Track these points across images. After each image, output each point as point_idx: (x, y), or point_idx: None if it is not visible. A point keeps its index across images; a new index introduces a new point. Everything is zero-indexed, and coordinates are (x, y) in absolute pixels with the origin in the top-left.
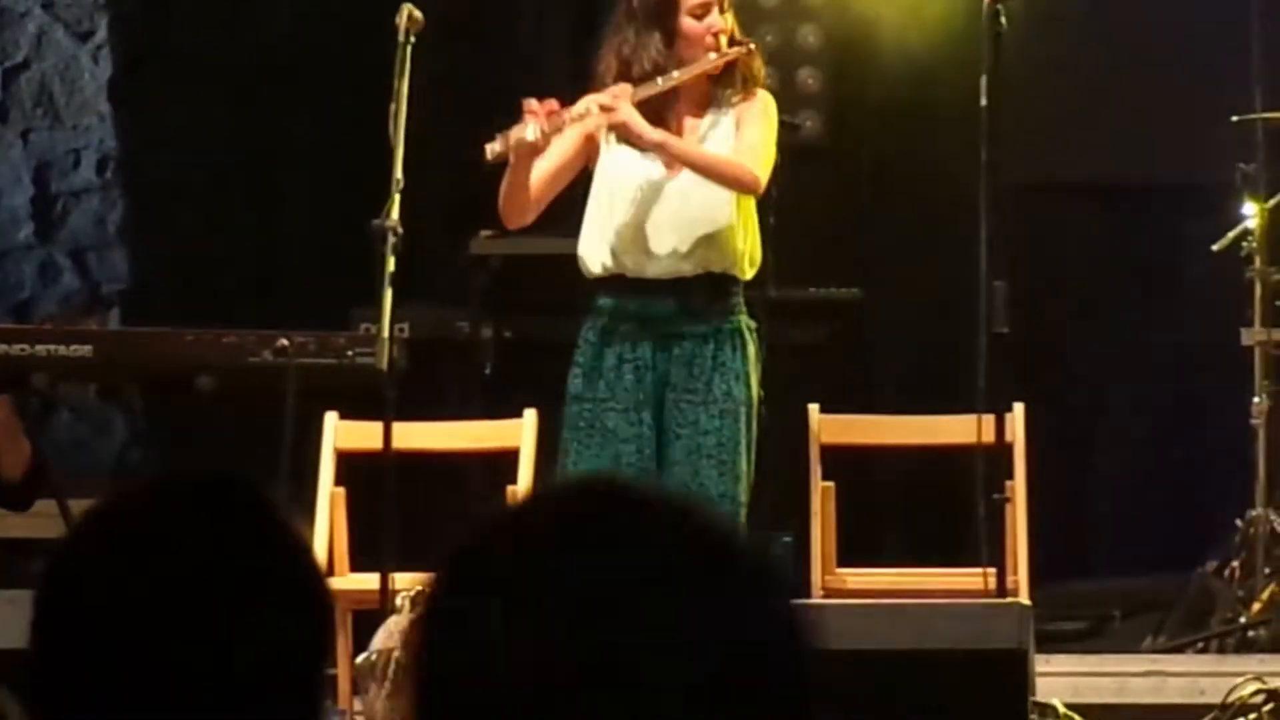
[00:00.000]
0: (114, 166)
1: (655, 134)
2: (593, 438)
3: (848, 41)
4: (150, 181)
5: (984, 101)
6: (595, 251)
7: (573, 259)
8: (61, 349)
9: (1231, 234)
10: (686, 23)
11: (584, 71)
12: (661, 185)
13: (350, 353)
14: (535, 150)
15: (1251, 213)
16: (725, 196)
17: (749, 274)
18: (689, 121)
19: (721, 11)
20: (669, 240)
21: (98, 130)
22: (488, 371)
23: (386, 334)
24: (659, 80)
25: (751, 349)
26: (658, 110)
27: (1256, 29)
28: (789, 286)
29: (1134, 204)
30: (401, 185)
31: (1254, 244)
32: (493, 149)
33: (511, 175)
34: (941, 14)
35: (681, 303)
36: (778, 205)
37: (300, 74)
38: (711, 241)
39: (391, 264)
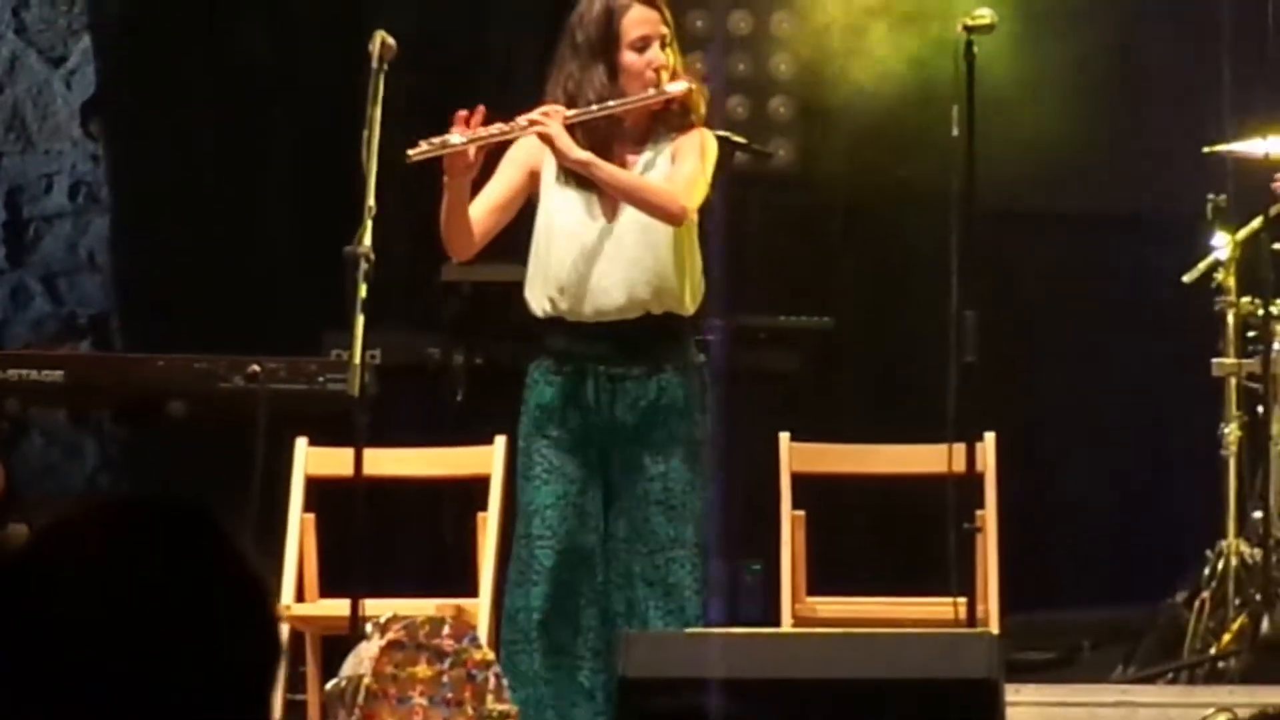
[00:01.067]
0: (86, 192)
1: (579, 153)
2: (538, 476)
3: (820, 71)
4: (122, 207)
5: (955, 131)
6: (537, 294)
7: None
8: (33, 373)
9: (1202, 265)
10: (627, 57)
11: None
12: (600, 228)
13: (321, 378)
14: (466, 168)
15: (1222, 243)
16: (664, 239)
17: (692, 309)
18: (629, 158)
19: (663, 47)
20: (608, 284)
21: (70, 155)
22: (459, 398)
23: (358, 360)
24: (594, 107)
25: (696, 386)
26: (599, 143)
27: (1227, 61)
28: (760, 315)
29: (1104, 233)
30: (374, 211)
31: (1225, 275)
32: (416, 150)
33: (446, 200)
34: (914, 43)
35: (623, 345)
36: (748, 234)
37: (272, 100)
38: (651, 285)
39: (364, 290)
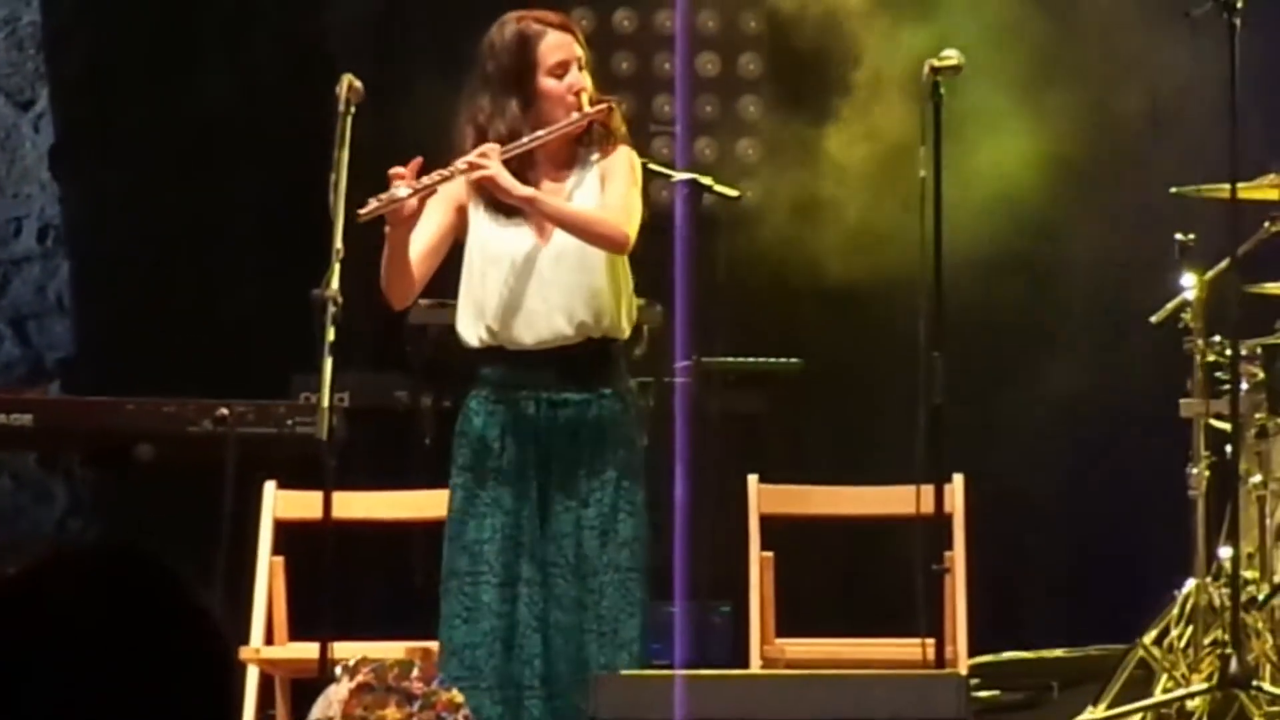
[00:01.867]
0: (55, 235)
1: (523, 190)
2: (474, 509)
3: (787, 113)
4: (91, 250)
5: (922, 173)
6: (471, 325)
7: None
8: (2, 417)
9: (1170, 305)
10: (546, 83)
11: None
12: (534, 255)
13: (290, 422)
14: (409, 217)
15: (1190, 284)
16: (599, 262)
17: (628, 330)
18: (550, 185)
19: (580, 69)
20: (545, 310)
21: (39, 199)
22: (427, 442)
23: (326, 403)
24: (525, 139)
25: (633, 410)
26: (519, 172)
27: (1195, 100)
28: (728, 356)
29: (1069, 275)
30: (342, 254)
31: (1192, 315)
32: (366, 210)
33: (389, 251)
34: (882, 85)
35: (562, 371)
36: (716, 275)
37: (240, 143)
38: (591, 307)
39: (332, 333)
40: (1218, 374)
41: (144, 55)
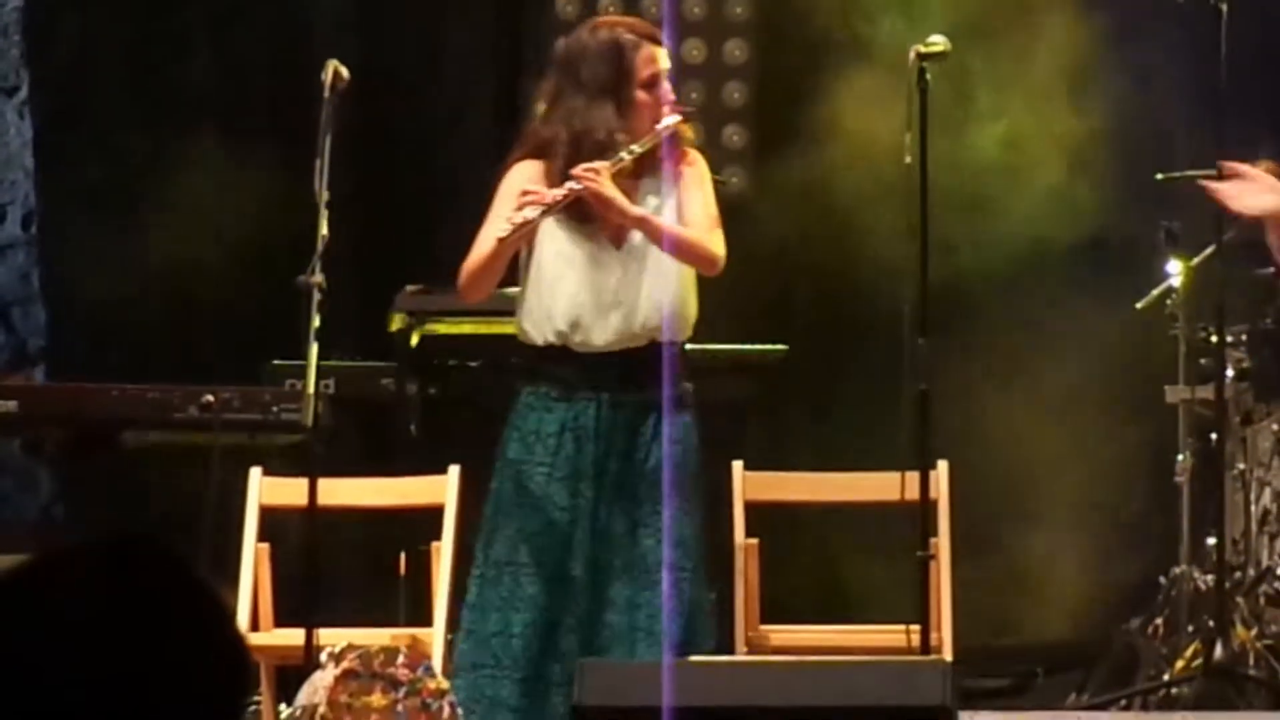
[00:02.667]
0: (39, 222)
1: (636, 211)
2: (523, 501)
3: (773, 99)
4: (74, 237)
5: (908, 159)
6: (539, 324)
7: (498, 314)
8: None
9: (1155, 291)
10: (639, 95)
11: (506, 130)
12: (609, 259)
13: (275, 408)
14: (532, 233)
15: (1175, 270)
16: (671, 266)
17: (689, 333)
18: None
19: (666, 81)
20: (617, 314)
21: (23, 185)
22: (413, 429)
23: (312, 390)
24: (623, 155)
25: (690, 411)
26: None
27: (1181, 87)
28: (714, 343)
29: (1058, 260)
30: (327, 240)
31: (1178, 301)
32: (504, 235)
33: (496, 255)
34: (867, 71)
35: (625, 372)
36: None
37: (223, 126)
38: (659, 312)
39: (317, 320)
40: (1203, 360)
41: (128, 41)
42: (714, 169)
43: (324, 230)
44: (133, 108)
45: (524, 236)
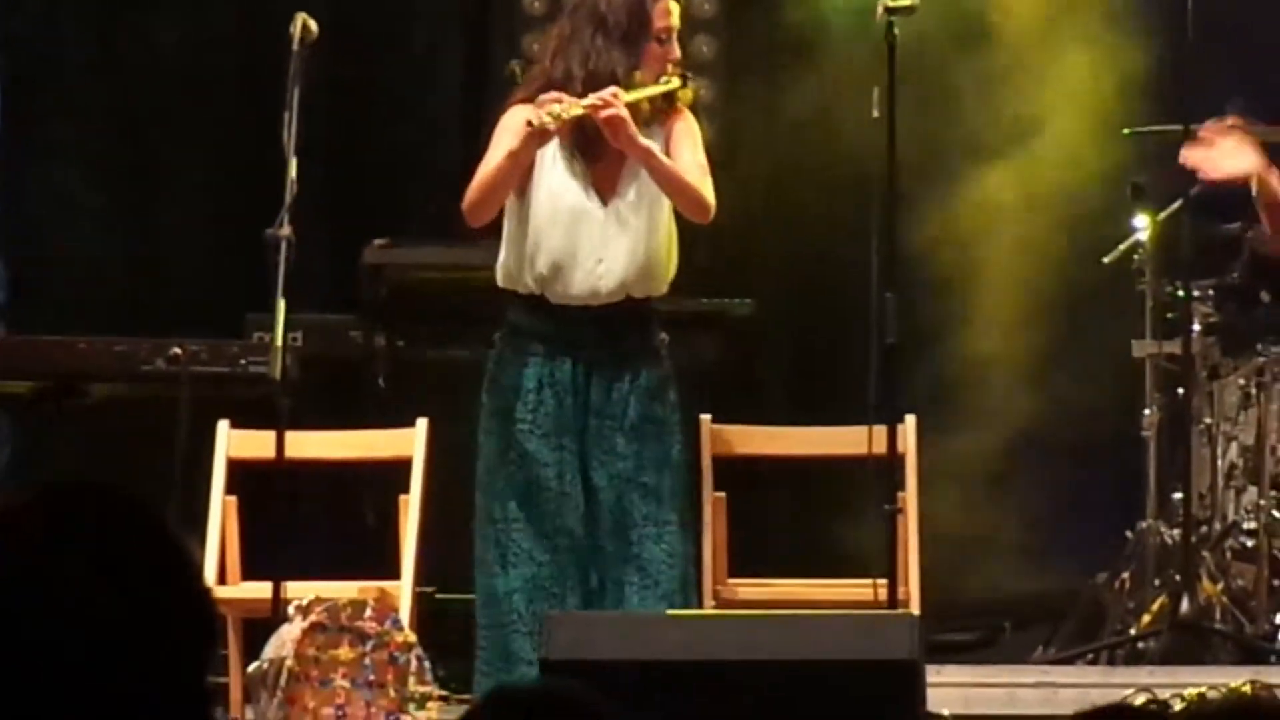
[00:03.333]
0: (3, 177)
1: (645, 141)
2: (507, 458)
3: (743, 52)
4: (38, 190)
5: (876, 113)
6: (518, 271)
7: (466, 268)
8: None
9: (1122, 246)
10: (652, 45)
11: (476, 80)
12: (597, 213)
13: (243, 361)
14: (547, 138)
15: (1142, 225)
16: (658, 226)
17: (665, 291)
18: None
19: (674, 38)
20: (597, 269)
21: None
22: (381, 382)
23: (280, 343)
24: (642, 92)
25: (666, 368)
26: (598, 124)
27: (1149, 45)
28: (682, 298)
29: (1024, 214)
30: (295, 194)
31: (1145, 256)
32: (538, 122)
33: (509, 166)
34: (838, 25)
35: (602, 329)
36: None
37: (191, 81)
38: (641, 269)
39: (285, 273)
40: (1170, 315)
41: None
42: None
43: (292, 183)
44: (99, 63)
45: (538, 146)
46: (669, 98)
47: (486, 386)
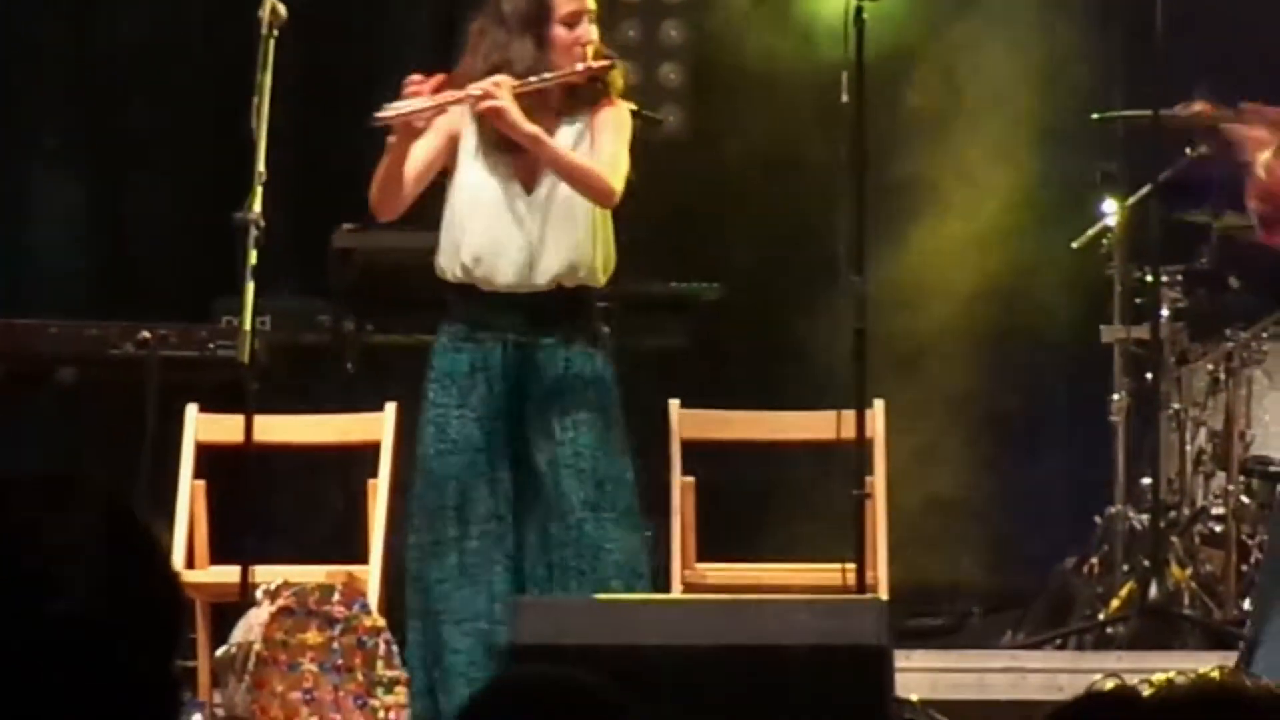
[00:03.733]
0: None
1: (530, 127)
2: (442, 444)
3: (710, 36)
4: (5, 173)
5: (845, 98)
6: (449, 260)
7: (434, 252)
8: None
9: (1091, 231)
10: (558, 31)
11: (444, 66)
12: (518, 201)
13: (212, 345)
14: (416, 131)
15: (1111, 210)
16: (581, 214)
17: (603, 281)
18: (550, 131)
19: (590, 23)
20: (522, 256)
21: None
22: (350, 367)
23: (249, 327)
24: (534, 79)
25: (605, 357)
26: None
27: (1118, 30)
28: (649, 282)
29: (994, 203)
30: (264, 178)
31: (1113, 241)
32: (383, 114)
33: (389, 160)
34: (806, 9)
35: (533, 315)
36: (639, 201)
37: (160, 64)
38: (565, 258)
39: (254, 257)
40: (1138, 300)
41: None
42: (650, 106)
43: (261, 167)
44: (69, 38)
45: (410, 134)
46: (596, 83)
47: (427, 373)
